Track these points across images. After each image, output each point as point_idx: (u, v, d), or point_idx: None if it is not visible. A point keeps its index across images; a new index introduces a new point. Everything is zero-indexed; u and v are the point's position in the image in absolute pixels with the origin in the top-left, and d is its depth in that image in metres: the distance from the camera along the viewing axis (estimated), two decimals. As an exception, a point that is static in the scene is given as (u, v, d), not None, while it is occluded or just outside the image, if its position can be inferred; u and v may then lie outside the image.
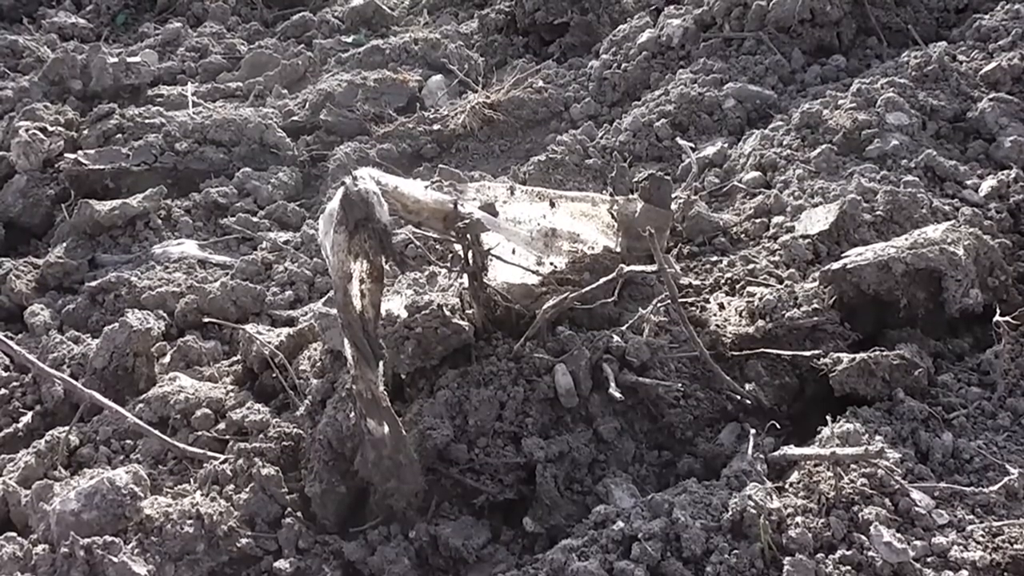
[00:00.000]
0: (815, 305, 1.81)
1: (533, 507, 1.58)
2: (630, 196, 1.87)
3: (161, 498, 1.64)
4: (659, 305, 1.76)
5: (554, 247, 1.74)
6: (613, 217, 1.82)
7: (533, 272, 1.71)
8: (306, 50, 3.93)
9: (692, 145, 2.62)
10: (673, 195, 1.93)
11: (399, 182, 1.40)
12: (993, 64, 2.60)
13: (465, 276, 1.65)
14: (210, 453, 1.80)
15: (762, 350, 1.77)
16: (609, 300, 1.74)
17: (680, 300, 1.68)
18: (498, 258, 1.62)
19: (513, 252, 1.68)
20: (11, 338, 2.24)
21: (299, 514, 1.66)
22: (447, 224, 1.49)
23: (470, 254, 1.56)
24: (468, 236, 1.52)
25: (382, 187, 1.38)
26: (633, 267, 1.64)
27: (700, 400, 1.71)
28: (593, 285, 1.70)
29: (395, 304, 1.83)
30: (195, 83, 3.73)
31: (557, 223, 1.72)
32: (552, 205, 1.70)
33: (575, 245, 1.76)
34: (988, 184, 2.21)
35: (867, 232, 2.03)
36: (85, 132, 3.19)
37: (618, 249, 1.82)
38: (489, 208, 1.57)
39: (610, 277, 1.70)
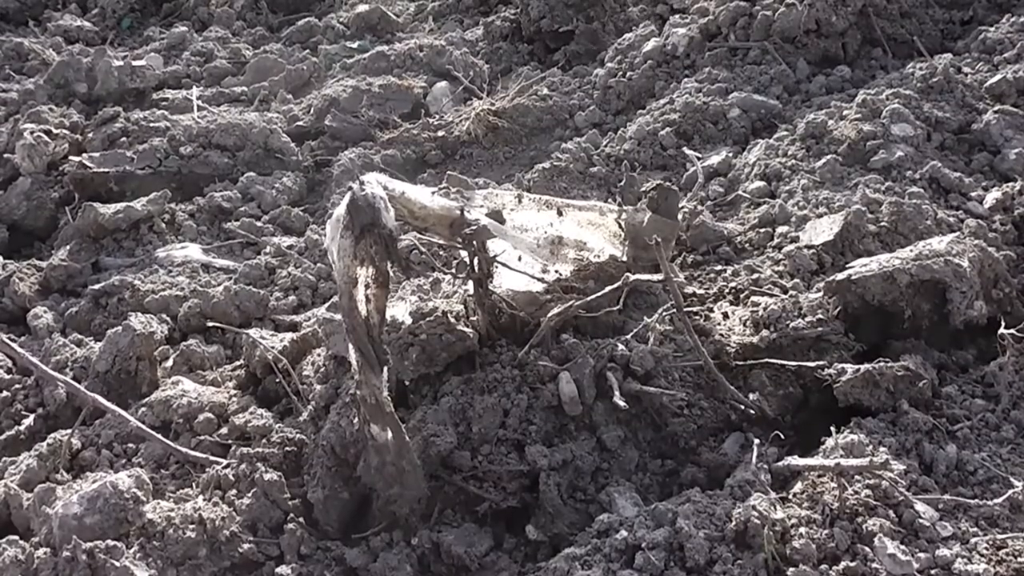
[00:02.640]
0: (819, 315, 1.81)
1: (536, 515, 1.57)
2: (638, 206, 1.86)
3: (163, 502, 1.63)
4: (664, 314, 1.76)
5: (560, 255, 1.74)
6: (620, 227, 1.82)
7: (539, 279, 1.70)
8: (311, 55, 3.94)
9: (698, 155, 2.62)
10: (680, 205, 1.92)
11: (406, 187, 1.40)
12: (998, 76, 2.61)
13: (470, 283, 1.65)
14: (212, 458, 1.80)
15: (766, 360, 1.76)
16: (614, 308, 1.74)
17: (685, 309, 1.68)
18: (504, 265, 1.62)
19: (519, 259, 1.68)
20: (14, 340, 2.24)
21: (301, 520, 1.65)
22: (453, 230, 1.49)
23: (475, 260, 1.56)
24: (474, 243, 1.52)
25: (389, 192, 1.38)
26: (639, 276, 1.64)
27: (704, 409, 1.70)
28: (598, 293, 1.70)
29: (399, 310, 1.83)
30: (200, 87, 3.74)
31: (564, 231, 1.72)
32: (560, 213, 1.70)
33: (581, 253, 1.76)
34: (993, 196, 2.21)
35: (872, 243, 2.03)
36: (90, 135, 3.20)
37: (624, 258, 1.82)
38: (496, 215, 1.57)
39: (615, 286, 1.70)
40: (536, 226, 1.69)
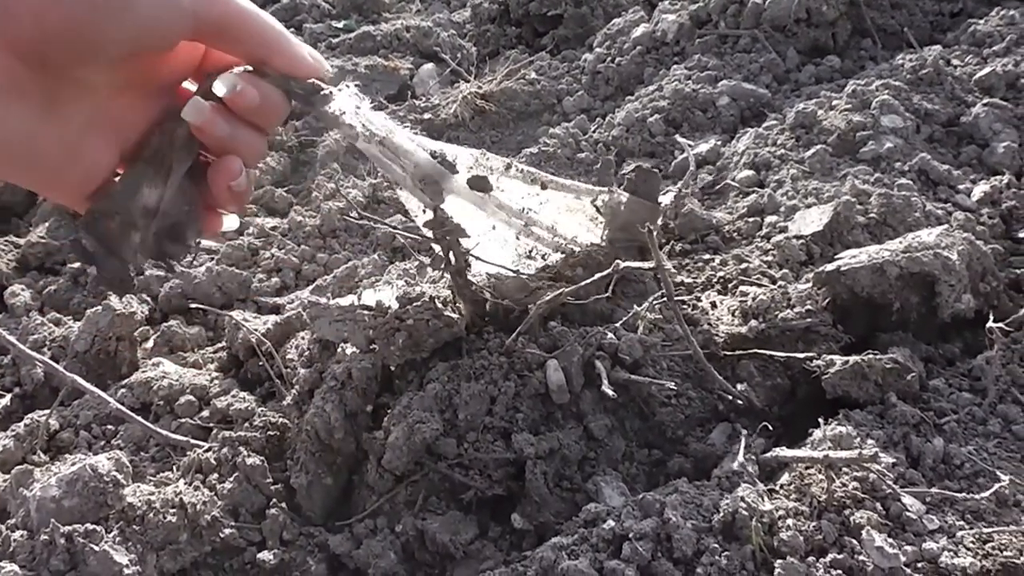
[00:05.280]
0: (808, 306, 1.80)
1: (522, 503, 1.56)
2: (614, 188, 1.85)
3: (143, 486, 1.61)
4: (655, 303, 1.74)
5: (535, 236, 1.72)
6: (598, 210, 1.80)
7: (512, 271, 1.69)
8: (296, 34, 3.89)
9: (690, 143, 2.60)
10: (663, 189, 1.90)
11: (394, 129, 1.36)
12: (987, 69, 2.60)
13: (449, 275, 1.64)
14: (194, 441, 1.78)
15: (755, 351, 1.75)
16: (602, 296, 1.72)
17: (675, 298, 1.66)
18: (478, 258, 1.60)
19: (494, 228, 1.66)
20: (-9, 318, 2.20)
21: (284, 505, 1.63)
22: (428, 225, 1.48)
23: (451, 255, 1.55)
24: (447, 238, 1.51)
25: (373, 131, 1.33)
26: (629, 263, 1.62)
27: (692, 399, 1.69)
28: (587, 281, 1.68)
29: (386, 295, 1.80)
30: (183, 64, 3.69)
31: (542, 217, 1.70)
32: (543, 187, 1.68)
33: (556, 239, 1.75)
34: (980, 189, 2.21)
35: (860, 234, 2.02)
36: (70, 110, 3.14)
37: (601, 241, 1.80)
38: (482, 181, 1.53)
39: (605, 273, 1.68)
40: (516, 202, 1.67)
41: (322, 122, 1.19)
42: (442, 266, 1.62)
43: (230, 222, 0.98)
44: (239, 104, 0.88)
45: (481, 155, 1.58)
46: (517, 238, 1.72)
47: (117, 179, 0.92)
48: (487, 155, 1.60)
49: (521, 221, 1.69)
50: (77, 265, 2.45)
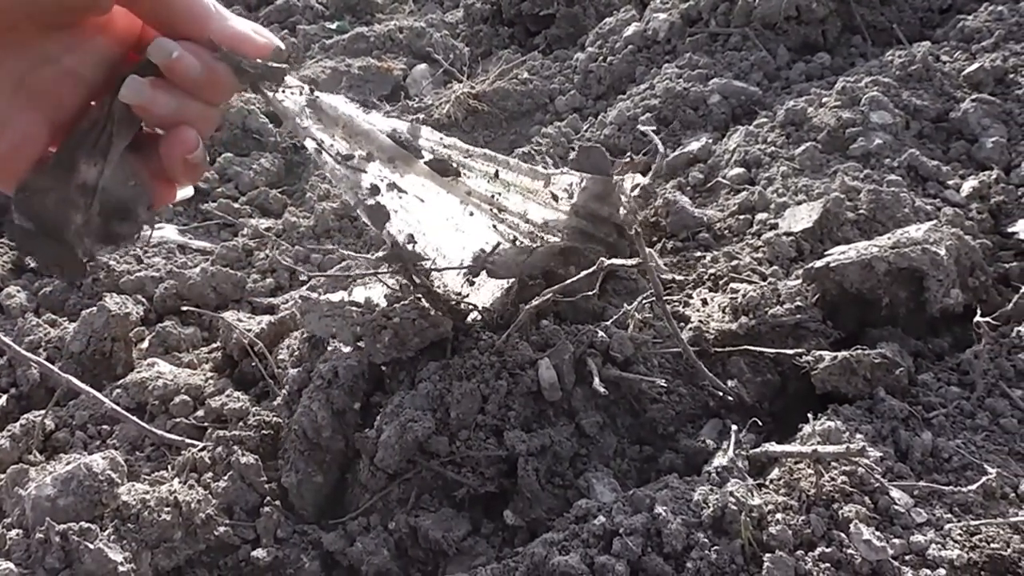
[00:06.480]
0: (798, 303, 1.81)
1: (514, 500, 1.57)
2: (565, 170, 1.86)
3: (138, 485, 1.62)
4: (644, 301, 1.75)
5: (509, 223, 1.74)
6: (553, 196, 1.81)
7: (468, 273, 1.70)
8: (290, 35, 3.90)
9: (655, 128, 2.62)
10: (609, 159, 1.91)
11: (355, 113, 1.37)
12: (976, 65, 2.61)
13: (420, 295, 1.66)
14: (188, 440, 1.79)
15: (745, 347, 1.76)
16: (591, 293, 1.73)
17: (664, 296, 1.68)
18: (437, 269, 1.61)
19: (471, 215, 1.67)
20: (-14, 321, 2.21)
21: (277, 503, 1.65)
22: (383, 259, 1.50)
23: (413, 278, 1.57)
24: (406, 268, 1.52)
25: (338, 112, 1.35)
26: (614, 260, 1.64)
27: (682, 396, 1.70)
28: (575, 278, 1.69)
29: (376, 293, 1.82)
30: (176, 66, 3.70)
31: (511, 203, 1.71)
32: (496, 175, 1.69)
33: (528, 227, 1.76)
34: (969, 184, 2.22)
35: (850, 231, 2.04)
36: (64, 113, 3.14)
37: (569, 219, 1.81)
38: (443, 165, 1.54)
39: (592, 270, 1.69)
40: (484, 188, 1.68)
41: (271, 108, 1.16)
42: (410, 290, 1.64)
43: (184, 192, 0.93)
44: (178, 73, 0.80)
45: (441, 140, 1.58)
46: (494, 227, 1.73)
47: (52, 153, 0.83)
48: (448, 142, 1.60)
49: (493, 208, 1.70)
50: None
